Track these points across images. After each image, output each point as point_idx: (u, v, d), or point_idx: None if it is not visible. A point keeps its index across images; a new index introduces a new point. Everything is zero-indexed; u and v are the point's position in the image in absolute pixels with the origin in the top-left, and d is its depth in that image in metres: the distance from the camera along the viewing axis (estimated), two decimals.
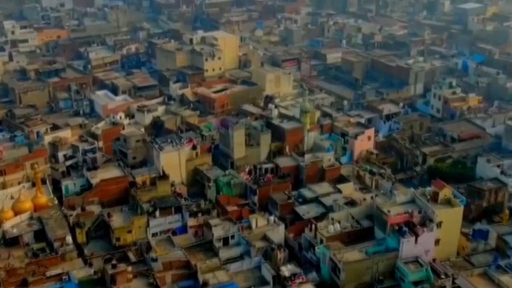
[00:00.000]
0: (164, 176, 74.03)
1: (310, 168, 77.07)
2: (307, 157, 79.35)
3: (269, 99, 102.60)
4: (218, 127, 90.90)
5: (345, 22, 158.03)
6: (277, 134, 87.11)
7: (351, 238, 61.76)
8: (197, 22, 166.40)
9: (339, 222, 63.65)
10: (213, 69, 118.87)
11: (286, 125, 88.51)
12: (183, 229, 67.07)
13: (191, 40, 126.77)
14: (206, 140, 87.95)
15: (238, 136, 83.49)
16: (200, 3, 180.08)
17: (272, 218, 65.38)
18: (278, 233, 63.44)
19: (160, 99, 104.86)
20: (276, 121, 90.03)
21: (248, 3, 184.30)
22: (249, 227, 63.94)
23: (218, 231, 62.90)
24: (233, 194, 73.60)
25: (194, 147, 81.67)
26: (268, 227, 63.95)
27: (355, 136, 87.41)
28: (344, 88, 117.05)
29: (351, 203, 68.70)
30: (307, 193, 72.61)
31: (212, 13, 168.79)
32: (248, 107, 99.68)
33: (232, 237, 62.54)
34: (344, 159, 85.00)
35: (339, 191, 72.30)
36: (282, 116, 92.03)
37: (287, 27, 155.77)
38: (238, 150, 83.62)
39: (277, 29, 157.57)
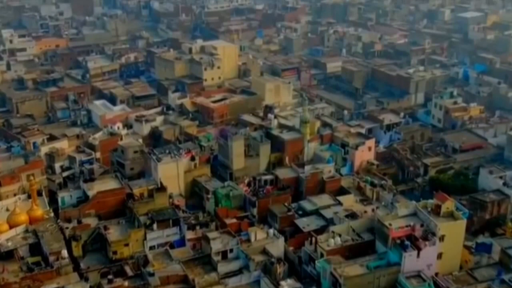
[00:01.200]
0: (162, 188, 73.15)
1: (310, 180, 76.14)
2: (307, 168, 78.40)
3: (268, 109, 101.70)
4: (217, 137, 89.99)
5: (345, 30, 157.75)
6: (277, 144, 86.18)
7: (352, 251, 60.71)
8: (196, 31, 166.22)
9: (340, 235, 62.59)
10: (212, 79, 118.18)
11: (286, 136, 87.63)
12: (181, 242, 66.05)
13: (190, 49, 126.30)
14: (204, 151, 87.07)
15: (237, 147, 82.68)
16: (199, 12, 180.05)
17: (271, 231, 64.26)
18: (277, 247, 62.32)
19: (158, 109, 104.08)
20: (275, 132, 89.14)
21: (248, 11, 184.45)
22: (248, 240, 62.88)
23: (216, 245, 61.83)
24: (232, 206, 72.61)
25: (192, 158, 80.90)
26: (268, 240, 62.80)
27: (356, 147, 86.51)
28: (344, 97, 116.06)
29: (352, 215, 67.65)
30: (307, 205, 71.61)
31: (212, 22, 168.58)
32: (248, 117, 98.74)
33: (231, 250, 61.50)
34: (344, 170, 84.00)
35: (340, 203, 71.29)
36: (281, 127, 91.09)
37: (287, 36, 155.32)
38: (237, 161, 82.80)
39: (277, 38, 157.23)
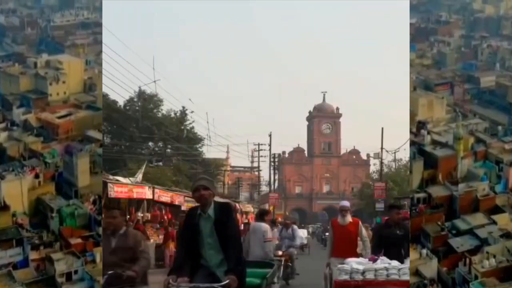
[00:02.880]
0: (5, 207, 69.18)
1: (464, 198, 70.85)
2: (461, 186, 73.15)
3: (421, 124, 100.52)
4: (62, 154, 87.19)
5: (499, 45, 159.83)
6: (430, 161, 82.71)
7: (507, 273, 52.98)
8: (42, 45, 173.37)
9: (494, 256, 55.30)
10: (58, 94, 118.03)
11: (439, 152, 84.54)
12: (25, 262, 61.55)
13: (35, 63, 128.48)
14: (49, 168, 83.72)
15: (82, 164, 79.06)
16: (45, 25, 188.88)
17: (424, 251, 62.16)
18: (431, 268, 63.67)
19: (2, 125, 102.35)
20: (428, 148, 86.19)
21: (94, 26, 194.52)
22: (93, 260, 56.28)
23: (60, 266, 53.76)
24: (76, 225, 67.07)
25: (36, 176, 77.58)
26: (420, 261, 61.15)
27: (510, 164, 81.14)
28: (498, 112, 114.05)
29: (507, 235, 60.50)
30: (460, 224, 65.41)
31: (57, 36, 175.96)
32: (94, 133, 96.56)
33: (76, 272, 53.56)
34: (498, 188, 78.31)
35: (494, 222, 64.54)
36: (434, 143, 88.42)
37: (440, 50, 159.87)
38: (83, 178, 78.61)
39: (430, 52, 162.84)
